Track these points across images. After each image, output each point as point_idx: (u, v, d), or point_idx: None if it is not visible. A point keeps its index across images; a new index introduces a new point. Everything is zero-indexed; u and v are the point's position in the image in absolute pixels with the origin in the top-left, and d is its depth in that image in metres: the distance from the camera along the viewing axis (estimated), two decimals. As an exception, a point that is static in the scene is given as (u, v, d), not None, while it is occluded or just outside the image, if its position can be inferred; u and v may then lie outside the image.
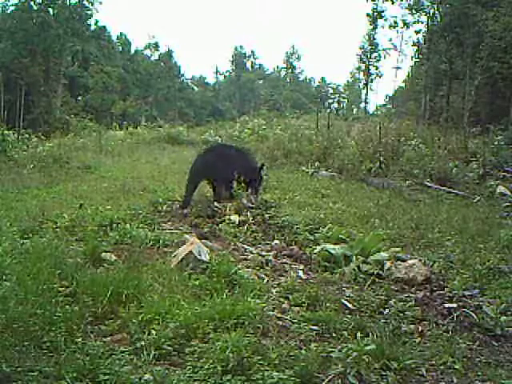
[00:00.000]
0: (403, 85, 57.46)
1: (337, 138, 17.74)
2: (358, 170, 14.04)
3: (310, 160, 15.21)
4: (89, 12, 44.84)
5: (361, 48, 53.17)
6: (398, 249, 6.62)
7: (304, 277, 5.71)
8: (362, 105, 66.47)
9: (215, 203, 8.20)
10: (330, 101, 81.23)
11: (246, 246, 6.62)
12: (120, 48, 64.99)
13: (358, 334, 3.89)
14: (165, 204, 8.26)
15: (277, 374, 3.36)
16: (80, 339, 3.64)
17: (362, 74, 59.45)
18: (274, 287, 5.25)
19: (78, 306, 4.13)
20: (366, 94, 57.66)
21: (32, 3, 39.26)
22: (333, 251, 6.13)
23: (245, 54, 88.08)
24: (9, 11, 40.04)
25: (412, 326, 4.52)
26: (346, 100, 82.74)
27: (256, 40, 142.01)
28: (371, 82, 56.18)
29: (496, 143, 16.39)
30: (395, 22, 42.58)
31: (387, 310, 4.80)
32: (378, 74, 55.39)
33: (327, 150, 15.91)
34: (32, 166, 14.69)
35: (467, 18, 31.19)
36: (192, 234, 6.67)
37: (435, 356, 3.95)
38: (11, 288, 4.20)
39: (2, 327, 3.66)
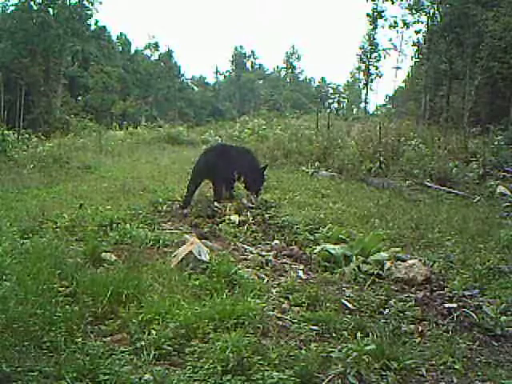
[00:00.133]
0: (403, 85, 57.47)
1: (337, 137, 17.73)
2: (358, 170, 14.04)
3: (310, 160, 15.21)
4: (89, 12, 44.82)
5: (361, 48, 53.18)
6: (397, 249, 6.62)
7: (304, 277, 5.71)
8: (362, 105, 66.51)
9: (215, 203, 8.20)
10: (330, 101, 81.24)
11: (246, 246, 6.62)
12: (120, 48, 64.97)
13: (358, 334, 3.89)
14: (165, 204, 8.26)
15: (277, 373, 3.37)
16: (80, 339, 3.64)
17: (362, 73, 59.47)
18: (274, 287, 5.26)
19: (77, 305, 4.13)
20: (366, 93, 57.69)
21: (32, 3, 39.24)
22: (333, 251, 6.13)
23: (245, 54, 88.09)
24: (9, 11, 40.02)
25: (412, 326, 4.52)
26: (346, 100, 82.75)
27: (256, 40, 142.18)
28: (371, 82, 56.19)
29: (496, 143, 16.39)
30: (395, 22, 42.57)
31: (387, 310, 4.80)
32: (378, 74, 55.40)
33: (327, 150, 15.91)
34: (32, 166, 14.69)
35: (467, 17, 31.18)
36: (192, 234, 6.67)
37: (435, 356, 3.95)
38: (11, 288, 4.20)
39: (2, 327, 3.66)
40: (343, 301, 4.94)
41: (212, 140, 23.27)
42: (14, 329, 3.66)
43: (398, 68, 52.17)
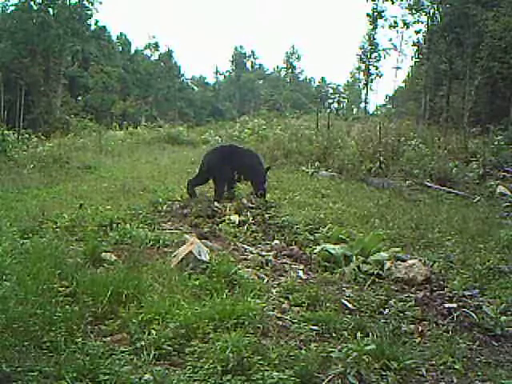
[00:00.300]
0: (403, 85, 57.47)
1: (337, 137, 17.74)
2: (358, 170, 14.05)
3: (310, 160, 15.21)
4: (89, 12, 44.75)
5: (361, 48, 53.13)
6: (397, 249, 6.62)
7: (304, 277, 5.71)
8: (362, 105, 66.47)
9: (215, 203, 8.21)
10: (330, 101, 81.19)
11: (246, 246, 6.62)
12: (120, 48, 64.93)
13: (358, 334, 3.90)
14: (165, 204, 8.26)
15: (277, 373, 3.37)
16: (80, 339, 3.64)
17: (362, 73, 59.41)
18: (274, 287, 5.26)
19: (77, 305, 4.13)
20: (366, 94, 57.61)
21: (32, 3, 39.19)
22: (333, 251, 6.13)
23: (245, 54, 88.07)
24: (9, 11, 39.99)
25: (412, 326, 4.52)
26: (346, 100, 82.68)
27: (256, 40, 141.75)
28: (371, 82, 56.14)
29: (496, 143, 16.41)
30: (395, 22, 42.53)
31: (387, 310, 4.81)
32: (378, 74, 55.34)
33: (327, 150, 15.91)
34: (32, 166, 14.69)
35: (467, 17, 31.17)
36: (192, 233, 6.67)
37: (435, 356, 3.95)
38: (11, 288, 4.20)
39: (2, 327, 3.66)
40: (343, 301, 4.94)
41: (212, 140, 23.28)
42: (13, 329, 3.66)
43: (398, 68, 52.15)
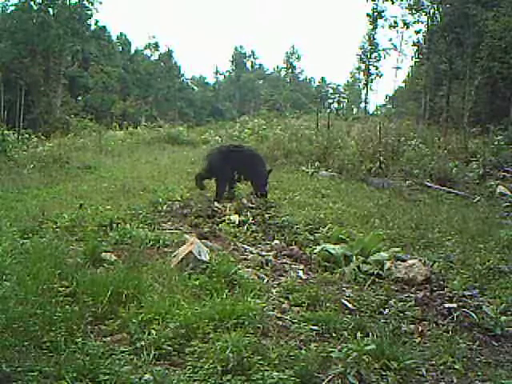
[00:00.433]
0: (403, 85, 57.50)
1: (337, 137, 17.74)
2: (358, 170, 14.05)
3: (310, 160, 15.21)
4: (89, 12, 44.76)
5: (361, 48, 53.15)
6: (397, 249, 6.62)
7: (304, 277, 5.72)
8: (362, 105, 66.47)
9: (215, 203, 8.22)
10: (330, 101, 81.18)
11: (245, 246, 6.62)
12: (120, 48, 64.92)
13: (358, 334, 3.90)
14: (165, 204, 8.26)
15: (277, 373, 3.37)
16: (80, 339, 3.63)
17: (362, 73, 59.39)
18: (274, 287, 5.26)
19: (78, 305, 4.13)
20: (366, 93, 57.60)
21: (32, 3, 39.19)
22: (333, 251, 6.13)
23: (245, 53, 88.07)
24: (9, 11, 39.99)
25: (412, 326, 4.52)
26: (346, 100, 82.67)
27: (256, 40, 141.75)
28: (371, 82, 56.13)
29: (496, 143, 16.42)
30: (395, 22, 42.54)
31: (387, 310, 4.81)
32: (378, 74, 55.35)
33: (327, 150, 15.91)
34: (32, 166, 14.68)
35: (467, 18, 31.18)
36: (192, 233, 6.67)
37: (435, 356, 3.95)
38: (11, 288, 4.20)
39: (2, 327, 3.66)
40: (343, 301, 4.94)
41: (212, 140, 23.24)
42: (13, 329, 3.66)
43: (398, 68, 52.13)
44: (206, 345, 3.71)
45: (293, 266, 6.10)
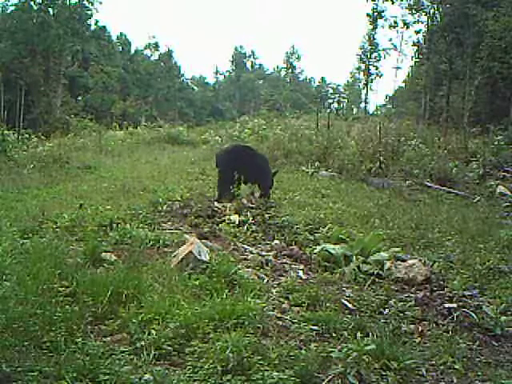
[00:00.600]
0: (403, 85, 57.48)
1: (337, 137, 17.76)
2: (358, 170, 14.05)
3: (310, 160, 15.22)
4: (89, 12, 44.72)
5: (361, 48, 53.12)
6: (397, 249, 6.62)
7: (304, 277, 5.72)
8: (362, 105, 66.45)
9: (215, 203, 8.22)
10: (330, 101, 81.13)
11: (245, 246, 6.62)
12: (120, 48, 64.89)
13: (358, 334, 3.90)
14: (165, 204, 8.26)
15: (277, 373, 3.37)
16: (80, 339, 3.63)
17: (362, 73, 59.32)
18: (274, 287, 5.26)
19: (78, 305, 4.13)
20: (366, 94, 57.55)
21: (32, 3, 39.16)
22: (333, 251, 6.13)
23: (245, 53, 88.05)
24: (9, 11, 39.97)
25: (412, 326, 4.52)
26: (346, 100, 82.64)
27: (256, 40, 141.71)
28: (371, 82, 56.08)
29: (496, 143, 16.42)
30: (395, 22, 42.51)
31: (387, 310, 4.81)
32: (378, 74, 55.29)
33: (327, 150, 15.92)
34: (32, 166, 14.68)
35: (467, 17, 31.18)
36: (192, 233, 6.67)
37: (435, 356, 3.95)
38: (11, 288, 4.20)
39: (2, 327, 3.66)
40: (343, 301, 4.94)
41: (212, 140, 23.24)
42: (13, 329, 3.66)
43: (398, 68, 52.07)
44: (206, 345, 3.71)
45: (293, 266, 6.10)
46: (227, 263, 5.26)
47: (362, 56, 53.59)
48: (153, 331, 3.84)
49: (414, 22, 40.25)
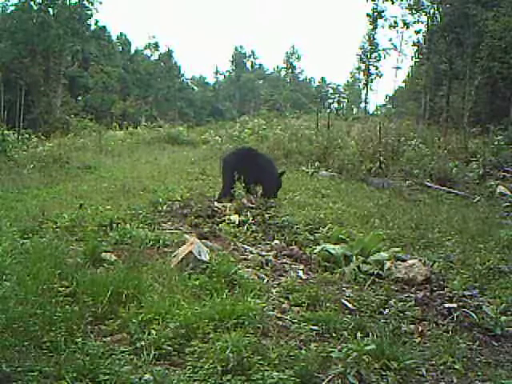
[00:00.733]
0: (403, 85, 57.49)
1: (337, 137, 17.76)
2: (358, 170, 14.05)
3: (310, 160, 15.22)
4: (89, 12, 44.75)
5: (361, 48, 53.13)
6: (397, 249, 6.62)
7: (304, 277, 5.71)
8: (362, 105, 66.48)
9: (215, 203, 8.22)
10: (330, 101, 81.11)
11: (245, 246, 6.62)
12: (120, 48, 64.91)
13: (358, 334, 3.90)
14: (165, 204, 8.25)
15: (277, 373, 3.36)
16: (80, 339, 3.63)
17: (362, 73, 59.33)
18: (274, 287, 5.25)
19: (78, 305, 4.13)
20: (366, 93, 57.59)
21: (32, 3, 39.18)
22: (333, 251, 6.13)
23: (245, 53, 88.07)
24: (9, 11, 39.99)
25: (412, 326, 4.52)
26: (346, 100, 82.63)
27: (256, 40, 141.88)
28: (371, 82, 56.10)
29: (496, 143, 16.42)
30: (395, 22, 42.53)
31: (387, 310, 4.80)
32: (378, 74, 55.32)
33: (327, 150, 15.92)
34: (32, 166, 14.69)
35: (467, 17, 31.18)
36: (192, 233, 6.67)
37: (435, 356, 3.95)
38: (11, 288, 4.20)
39: (2, 327, 3.66)
40: (343, 301, 4.94)
41: (212, 140, 23.23)
42: (13, 329, 3.66)
43: (398, 68, 52.07)
44: (206, 345, 3.71)
45: (293, 266, 6.10)
46: (227, 263, 5.26)
47: (362, 56, 53.61)
48: (153, 331, 3.84)
49: (414, 22, 40.31)
